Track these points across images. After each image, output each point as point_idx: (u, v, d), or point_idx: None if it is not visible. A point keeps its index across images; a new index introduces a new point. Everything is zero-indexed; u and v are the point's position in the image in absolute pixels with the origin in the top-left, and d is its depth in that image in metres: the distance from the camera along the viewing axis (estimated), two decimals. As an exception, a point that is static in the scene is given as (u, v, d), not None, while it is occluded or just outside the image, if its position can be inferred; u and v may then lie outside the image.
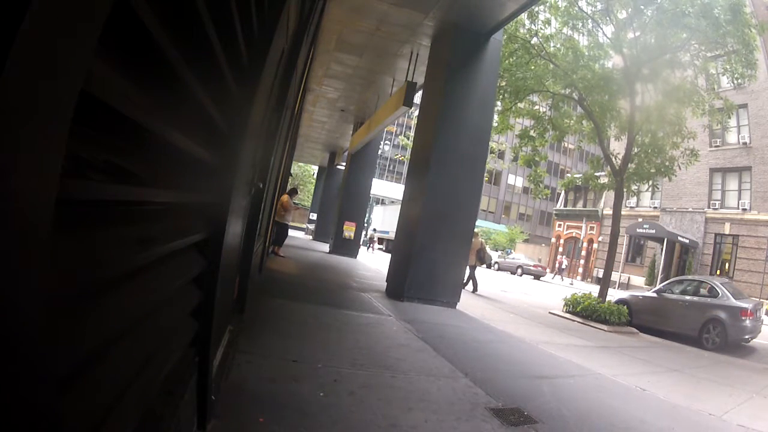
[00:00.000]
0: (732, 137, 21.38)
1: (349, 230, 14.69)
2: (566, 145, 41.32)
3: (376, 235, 26.16)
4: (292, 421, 2.13)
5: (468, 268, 9.33)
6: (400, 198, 8.82)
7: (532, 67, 9.95)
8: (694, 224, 22.50)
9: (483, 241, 12.00)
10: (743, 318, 8.22)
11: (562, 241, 31.38)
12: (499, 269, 26.29)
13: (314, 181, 34.32)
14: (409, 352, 3.86)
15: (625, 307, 9.11)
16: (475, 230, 8.30)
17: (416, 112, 9.83)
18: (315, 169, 33.13)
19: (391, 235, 22.26)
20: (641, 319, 9.43)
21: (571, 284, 23.03)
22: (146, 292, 0.95)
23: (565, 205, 31.60)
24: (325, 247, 16.20)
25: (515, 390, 3.28)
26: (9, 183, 0.40)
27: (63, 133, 0.48)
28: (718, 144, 21.73)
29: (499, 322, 6.79)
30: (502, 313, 8.08)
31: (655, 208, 24.48)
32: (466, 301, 7.33)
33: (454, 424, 2.46)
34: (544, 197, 12.97)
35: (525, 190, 51.16)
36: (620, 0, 9.68)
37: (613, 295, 10.61)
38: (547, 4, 10.02)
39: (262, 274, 6.30)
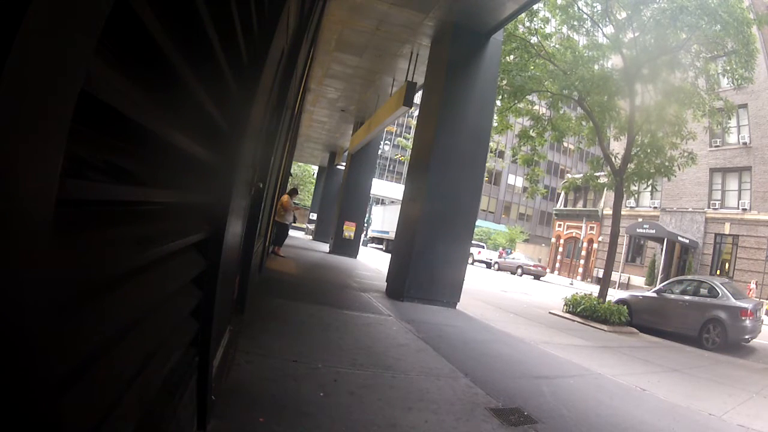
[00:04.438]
0: (732, 137, 21.38)
1: (349, 230, 14.68)
2: (566, 145, 41.33)
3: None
4: (292, 421, 2.13)
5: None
6: (400, 198, 8.81)
7: (531, 67, 9.95)
8: (694, 224, 22.50)
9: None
10: (743, 318, 8.22)
11: (562, 241, 31.38)
12: (499, 269, 26.30)
13: (314, 181, 34.32)
14: (409, 352, 3.86)
15: (625, 307, 9.10)
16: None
17: (416, 112, 9.83)
18: (315, 169, 33.13)
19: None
20: (641, 319, 9.43)
21: (571, 284, 23.04)
22: (146, 292, 0.95)
23: (565, 205, 31.60)
24: (325, 247, 16.20)
25: (515, 390, 3.28)
26: (9, 183, 0.40)
27: (63, 133, 0.48)
28: (718, 144, 21.73)
29: (499, 322, 6.79)
30: (502, 313, 8.08)
31: (655, 208, 24.48)
32: (466, 301, 7.33)
33: (454, 424, 2.46)
34: (541, 196, 12.96)
35: (525, 190, 51.03)
36: (620, 0, 9.67)
37: (613, 295, 10.61)
38: (547, 3, 10.01)
39: (262, 274, 6.30)
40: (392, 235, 16.12)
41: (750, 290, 17.99)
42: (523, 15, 8.68)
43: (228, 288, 2.45)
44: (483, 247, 30.64)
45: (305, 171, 40.82)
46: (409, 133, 36.87)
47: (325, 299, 5.80)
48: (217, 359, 2.33)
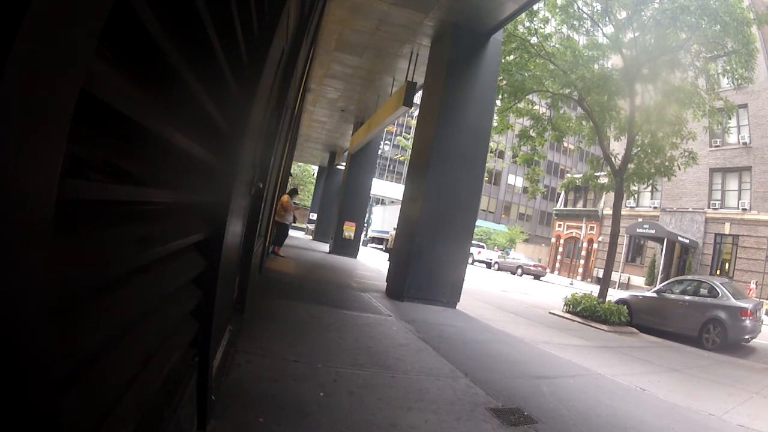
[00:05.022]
0: (732, 137, 21.38)
1: (349, 230, 14.69)
2: (566, 145, 41.33)
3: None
4: (292, 421, 2.13)
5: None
6: (400, 198, 8.81)
7: (531, 67, 9.95)
8: (694, 224, 22.50)
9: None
10: (743, 318, 8.22)
11: (562, 241, 31.38)
12: (499, 269, 26.31)
13: (314, 181, 34.33)
14: (409, 352, 3.86)
15: (625, 307, 9.11)
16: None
17: (416, 112, 9.83)
18: (315, 169, 33.13)
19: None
20: (641, 319, 9.43)
21: (571, 284, 23.04)
22: (146, 292, 0.95)
23: (565, 205, 31.61)
24: (325, 247, 16.20)
25: (515, 390, 3.28)
26: (9, 183, 0.40)
27: (63, 133, 0.48)
28: (718, 144, 21.73)
29: (499, 322, 6.79)
30: (502, 313, 8.08)
31: (655, 208, 24.48)
32: (466, 301, 7.33)
33: (454, 424, 2.46)
34: (541, 195, 12.97)
35: (525, 190, 50.93)
36: (620, 0, 9.67)
37: (613, 295, 10.61)
38: (547, 3, 10.00)
39: (262, 274, 6.30)
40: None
41: (750, 290, 17.99)
42: (523, 15, 8.68)
43: (228, 288, 2.45)
44: (483, 247, 30.65)
45: (305, 171, 40.83)
46: (409, 133, 36.86)
47: (325, 299, 5.80)
48: (217, 359, 2.33)
